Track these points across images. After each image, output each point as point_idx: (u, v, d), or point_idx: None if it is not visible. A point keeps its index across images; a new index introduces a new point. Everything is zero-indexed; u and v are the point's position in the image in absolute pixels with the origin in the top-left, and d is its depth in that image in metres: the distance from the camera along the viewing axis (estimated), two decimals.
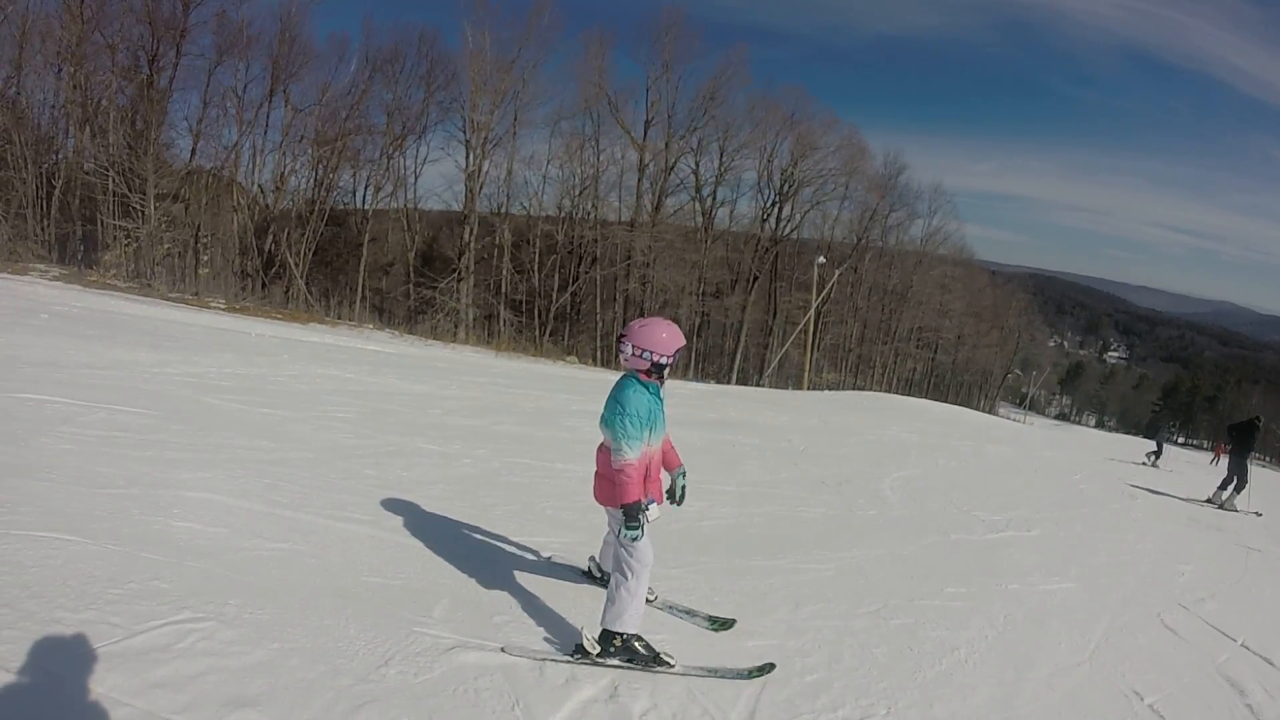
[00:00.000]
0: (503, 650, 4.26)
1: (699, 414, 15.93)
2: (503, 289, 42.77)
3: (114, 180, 31.63)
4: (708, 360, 50.68)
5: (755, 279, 49.87)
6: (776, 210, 50.29)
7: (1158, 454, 20.37)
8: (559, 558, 5.94)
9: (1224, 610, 7.48)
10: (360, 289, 40.33)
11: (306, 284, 37.13)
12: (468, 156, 41.38)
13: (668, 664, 4.31)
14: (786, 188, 49.56)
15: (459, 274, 40.66)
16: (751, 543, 7.28)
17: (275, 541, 5.18)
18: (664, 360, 4.31)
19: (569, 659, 4.27)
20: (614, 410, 4.27)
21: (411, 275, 42.08)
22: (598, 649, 4.26)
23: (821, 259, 43.27)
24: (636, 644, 4.32)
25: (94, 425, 7.19)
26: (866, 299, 58.40)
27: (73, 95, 32.68)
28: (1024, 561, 8.14)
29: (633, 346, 4.31)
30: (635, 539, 4.20)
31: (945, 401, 47.57)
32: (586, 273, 45.31)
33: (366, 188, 42.92)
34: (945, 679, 4.91)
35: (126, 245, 31.07)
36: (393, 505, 6.47)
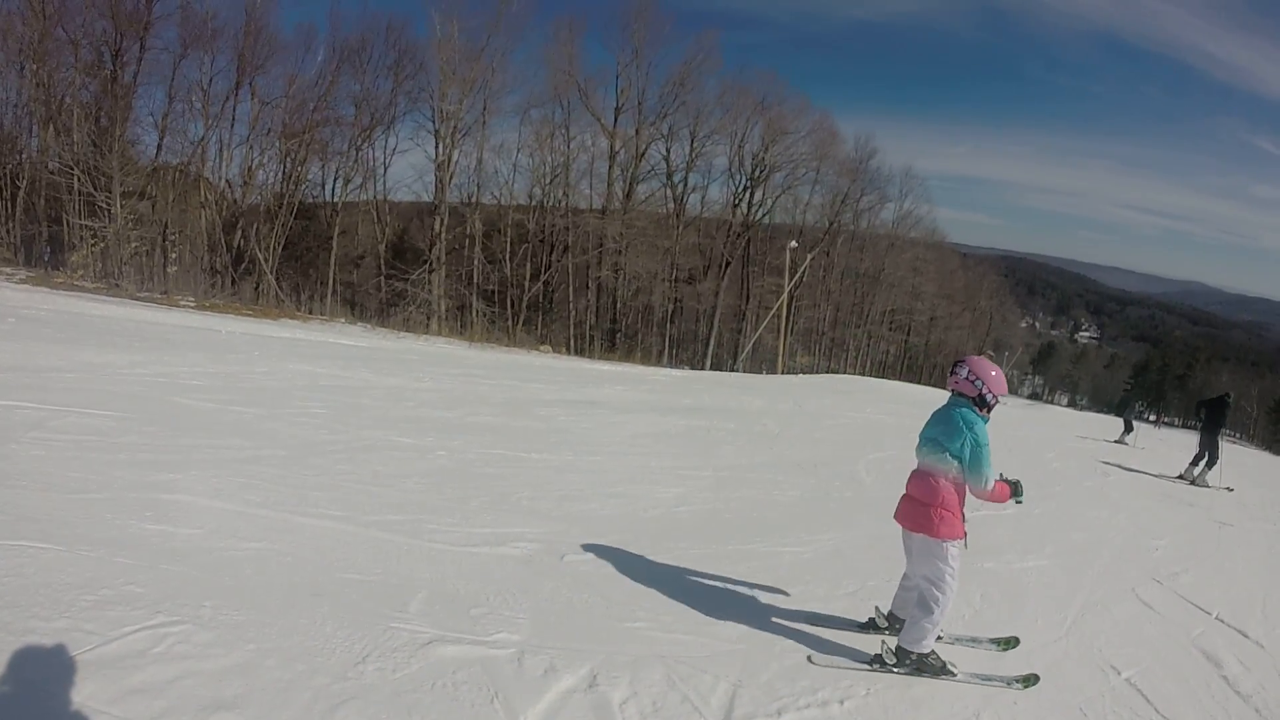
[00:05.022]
0: (809, 660, 4.67)
1: (674, 400, 15.95)
2: (475, 279, 42.43)
3: (79, 179, 31.12)
4: (682, 346, 50.64)
5: (728, 264, 49.77)
6: (748, 195, 50.14)
7: (1128, 430, 20.57)
8: (536, 548, 5.93)
9: (1198, 584, 7.61)
10: (331, 283, 39.91)
11: (277, 279, 36.70)
12: (437, 146, 40.97)
13: (952, 673, 4.69)
14: (758, 173, 49.39)
15: (430, 265, 40.29)
16: (728, 527, 7.33)
17: (250, 541, 5.15)
18: (994, 400, 4.76)
19: (865, 666, 4.69)
20: (974, 440, 4.61)
21: (383, 268, 41.70)
22: (894, 659, 4.67)
23: (793, 243, 43.29)
24: (929, 659, 4.69)
25: (64, 429, 7.12)
26: (839, 282, 58.53)
27: (35, 93, 32.17)
28: (999, 540, 8.21)
29: (969, 370, 4.76)
30: (1021, 492, 4.76)
31: (919, 383, 47.77)
32: (558, 261, 45.01)
33: (335, 180, 42.46)
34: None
35: (93, 245, 30.52)
36: (367, 500, 6.45)
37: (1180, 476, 14.71)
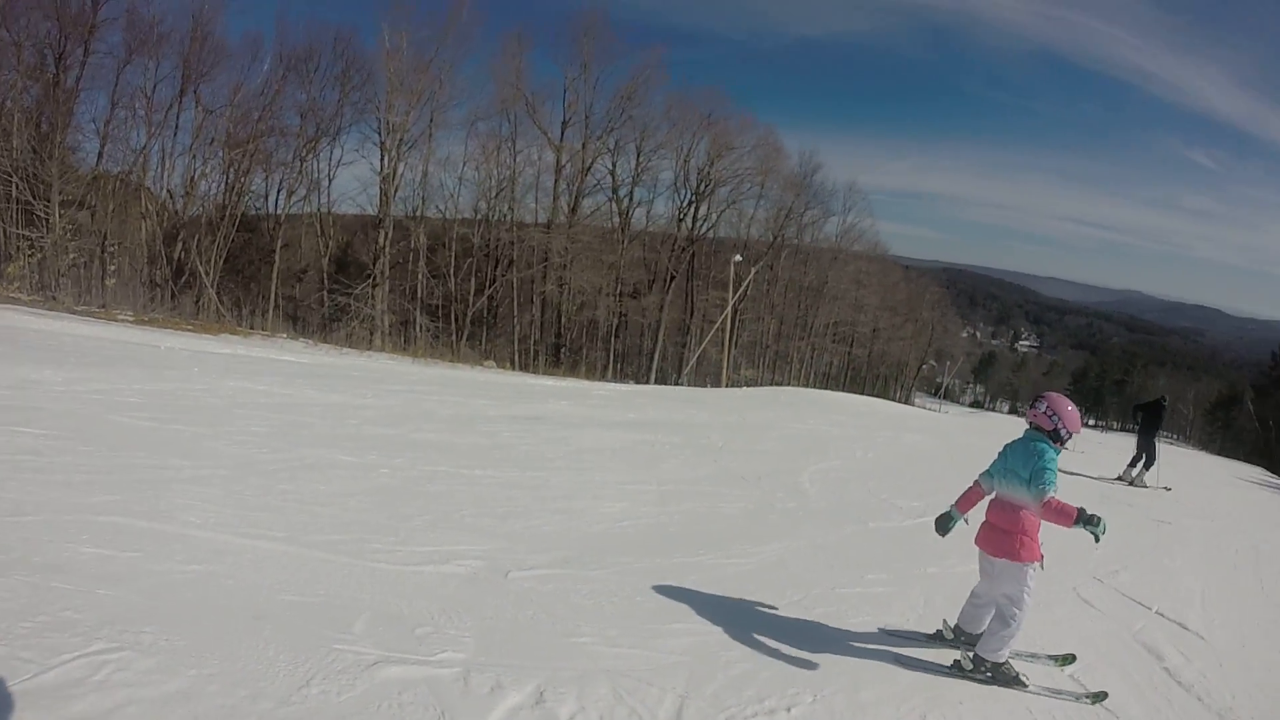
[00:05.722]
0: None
1: (619, 414, 15.98)
2: (419, 294, 42.21)
3: (17, 186, 30.45)
4: (626, 361, 50.74)
5: (672, 278, 49.99)
6: (693, 209, 50.45)
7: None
8: (480, 566, 5.91)
9: (1137, 581, 7.90)
10: (273, 297, 39.44)
11: (218, 293, 36.12)
12: (382, 159, 40.75)
13: (1024, 684, 5.02)
14: (703, 187, 49.75)
15: (374, 279, 39.97)
16: (673, 540, 7.37)
17: (190, 564, 5.08)
18: (1068, 434, 5.14)
19: (946, 672, 5.11)
20: (1041, 464, 4.92)
21: (325, 282, 41.18)
22: (972, 666, 5.07)
23: (738, 257, 43.61)
24: (1004, 668, 5.04)
25: None
26: (783, 296, 59.17)
27: None
28: (942, 545, 8.35)
29: (1048, 406, 5.12)
30: (1102, 528, 4.66)
31: (863, 394, 48.33)
32: (503, 275, 44.87)
33: (279, 192, 41.83)
34: (868, 665, 5.09)
35: (30, 255, 29.87)
36: (310, 520, 6.37)
37: (1119, 478, 15.11)
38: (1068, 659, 5.56)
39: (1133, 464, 15.12)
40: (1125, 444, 19.69)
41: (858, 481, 11.63)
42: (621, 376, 46.54)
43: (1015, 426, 30.50)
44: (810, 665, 4.92)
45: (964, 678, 5.04)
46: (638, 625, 5.20)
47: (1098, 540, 4.74)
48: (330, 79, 40.98)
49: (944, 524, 5.53)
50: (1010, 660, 5.09)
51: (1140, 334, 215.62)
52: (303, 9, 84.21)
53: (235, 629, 4.26)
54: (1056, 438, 5.09)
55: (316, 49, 40.65)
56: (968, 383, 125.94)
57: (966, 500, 5.58)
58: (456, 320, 43.06)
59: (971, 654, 5.12)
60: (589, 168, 47.02)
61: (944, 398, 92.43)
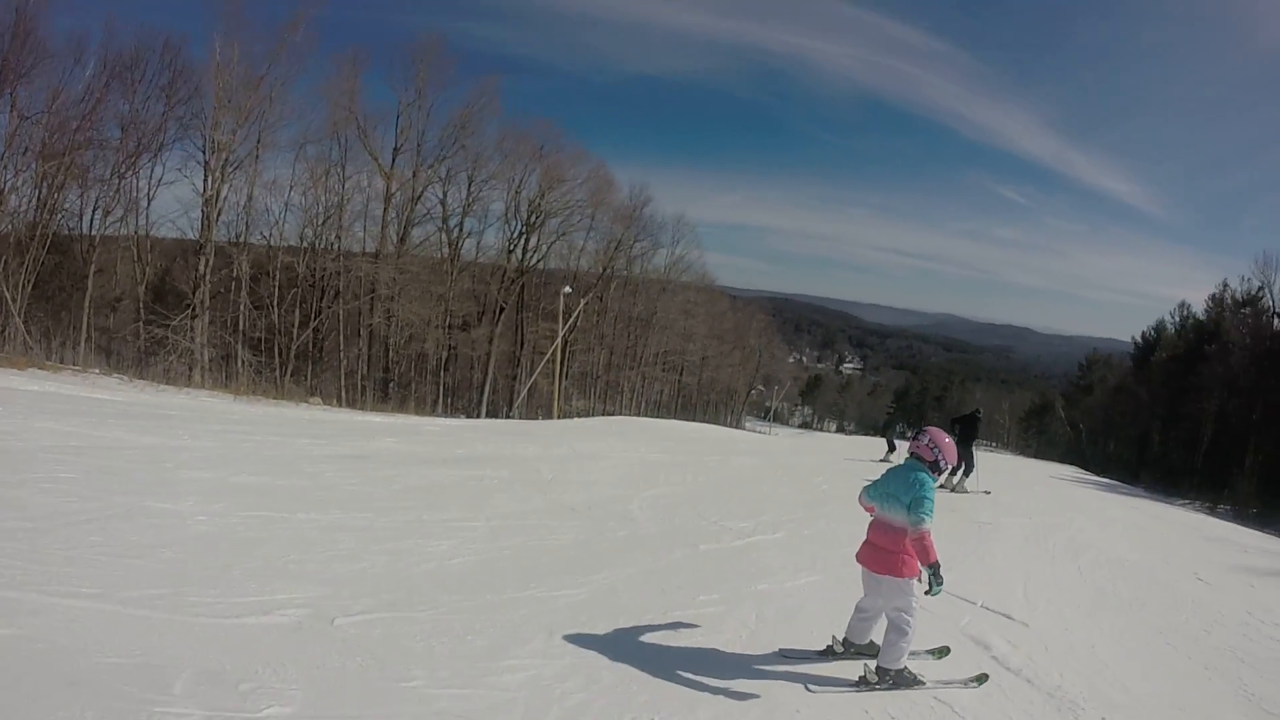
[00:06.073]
0: (807, 689, 5.38)
1: (448, 450, 15.81)
2: (241, 326, 40.05)
3: None
4: (457, 394, 50.03)
5: (502, 310, 49.82)
6: (523, 241, 50.51)
7: (891, 449, 22.06)
8: (305, 614, 5.77)
9: (962, 579, 8.47)
10: (86, 327, 35.93)
11: (25, 322, 33.36)
12: (206, 179, 37.80)
13: (922, 682, 5.55)
14: (534, 219, 49.89)
15: (194, 310, 37.39)
16: (503, 575, 7.38)
17: None
18: (946, 465, 5.74)
19: (852, 688, 5.43)
20: (920, 494, 5.40)
21: (142, 312, 37.99)
22: (876, 678, 5.44)
23: (568, 289, 43.94)
24: (904, 674, 5.50)
25: None
26: (613, 326, 59.81)
27: None
28: (771, 562, 8.74)
29: (929, 439, 5.72)
30: (940, 587, 5.30)
31: (693, 420, 49.30)
32: (329, 307, 43.26)
33: (95, 211, 38.16)
34: (703, 684, 5.24)
35: None
36: (123, 575, 6.05)
37: (941, 486, 15.97)
38: (943, 651, 6.24)
39: (953, 472, 16.01)
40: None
41: (688, 506, 11.89)
42: (452, 411, 45.91)
43: (842, 444, 31.78)
44: (645, 690, 5.04)
45: (870, 690, 5.41)
46: (469, 665, 5.19)
47: (928, 593, 5.33)
48: (156, 90, 37.93)
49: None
50: (908, 667, 5.54)
51: (956, 353, 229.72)
52: (132, 10, 78.66)
53: (47, 697, 4.04)
54: (936, 468, 5.67)
55: (144, 55, 37.52)
56: (796, 405, 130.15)
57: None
58: (281, 354, 41.18)
59: (874, 666, 5.49)
60: (419, 196, 46.29)
61: (774, 420, 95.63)
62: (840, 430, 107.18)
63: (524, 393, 49.06)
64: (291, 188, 42.49)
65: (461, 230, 48.88)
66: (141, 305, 38.37)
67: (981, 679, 5.78)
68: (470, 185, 47.84)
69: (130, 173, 38.14)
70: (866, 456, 22.41)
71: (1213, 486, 38.59)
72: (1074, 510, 16.03)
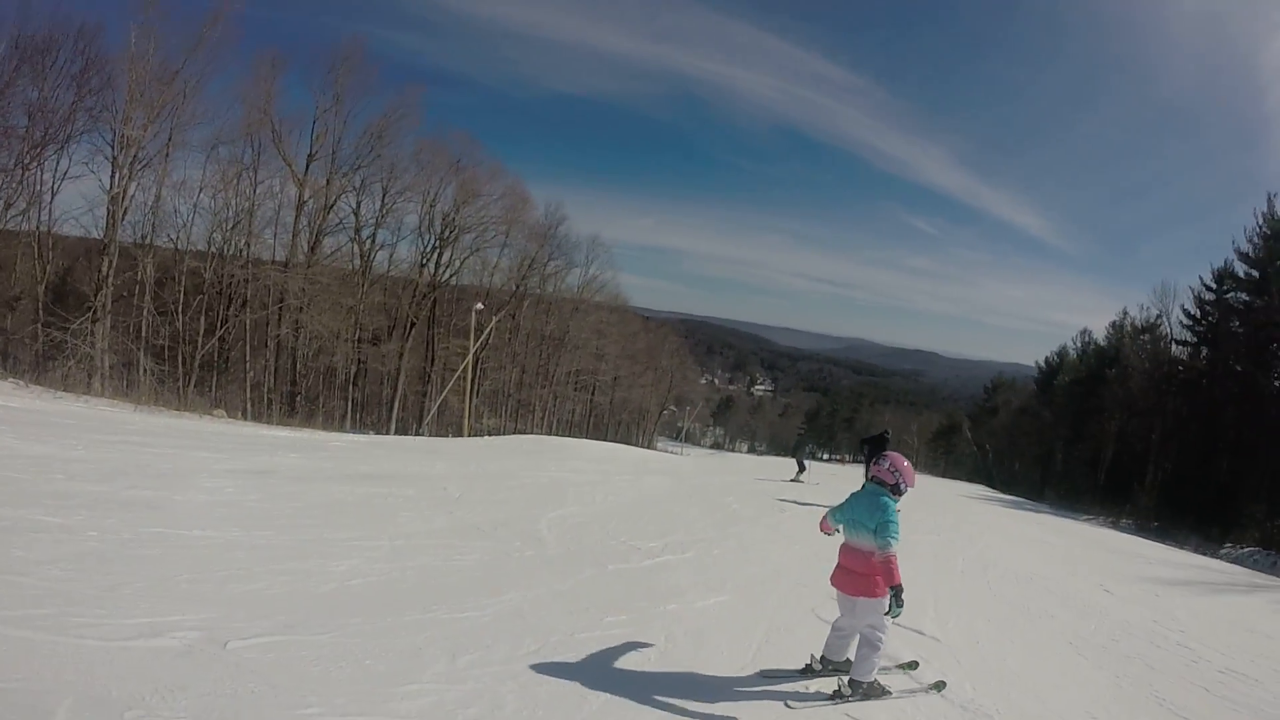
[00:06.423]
0: (787, 705, 5.58)
1: (353, 467, 15.42)
2: (143, 332, 38.44)
3: None
4: (366, 410, 49.15)
5: (413, 325, 49.15)
6: (436, 255, 49.97)
7: (801, 470, 22.34)
8: (197, 637, 5.45)
9: None
10: None
11: None
12: (113, 175, 35.87)
13: (889, 693, 5.89)
14: (448, 233, 49.39)
15: (95, 313, 35.53)
16: (405, 597, 7.16)
17: None
18: (905, 488, 6.02)
19: (828, 700, 5.70)
20: (885, 518, 5.73)
21: (41, 313, 35.82)
22: (850, 690, 5.74)
23: (480, 305, 43.62)
24: (874, 685, 5.82)
25: None
26: (525, 344, 59.58)
27: None
28: (681, 582, 8.67)
29: (890, 464, 6.02)
30: (901, 610, 5.56)
31: (605, 440, 49.21)
32: (236, 316, 41.78)
33: None
34: (610, 707, 5.16)
35: None
36: (6, 593, 5.67)
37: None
38: (912, 665, 6.60)
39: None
40: (856, 474, 21.18)
41: (596, 525, 11.80)
42: (361, 426, 45.10)
43: (753, 464, 32.16)
44: (549, 715, 4.91)
45: (845, 702, 5.65)
46: (369, 690, 4.99)
47: (887, 614, 5.61)
48: (66, 78, 35.56)
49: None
50: (877, 679, 5.84)
51: (866, 376, 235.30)
52: None
53: None
54: (897, 491, 5.96)
55: (57, 40, 35.20)
56: (708, 426, 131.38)
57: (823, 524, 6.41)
58: (184, 364, 39.55)
59: (848, 679, 5.79)
60: (332, 205, 45.33)
61: (686, 441, 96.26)
62: (752, 451, 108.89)
63: (434, 410, 48.44)
64: (201, 189, 40.76)
65: (374, 242, 47.99)
66: (40, 306, 36.15)
67: (939, 685, 6.16)
68: (385, 196, 47.04)
69: (35, 164, 35.93)
70: (778, 477, 22.63)
71: (1115, 502, 39.86)
72: (982, 527, 16.42)
